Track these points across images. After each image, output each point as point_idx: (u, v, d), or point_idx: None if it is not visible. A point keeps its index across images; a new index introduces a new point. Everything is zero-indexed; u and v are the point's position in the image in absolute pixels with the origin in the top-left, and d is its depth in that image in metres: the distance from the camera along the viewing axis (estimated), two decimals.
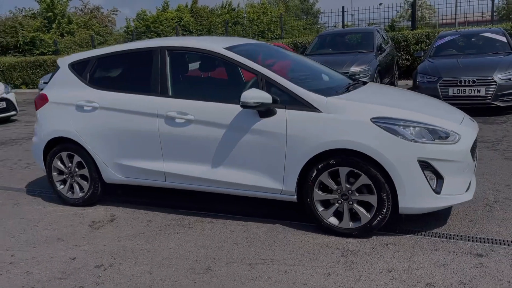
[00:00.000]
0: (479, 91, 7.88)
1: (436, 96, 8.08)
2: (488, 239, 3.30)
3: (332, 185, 3.44)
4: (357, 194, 3.39)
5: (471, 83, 7.87)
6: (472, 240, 3.30)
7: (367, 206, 3.39)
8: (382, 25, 18.73)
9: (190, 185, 3.99)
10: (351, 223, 3.45)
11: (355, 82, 4.35)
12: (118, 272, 3.10)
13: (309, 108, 3.50)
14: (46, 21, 22.76)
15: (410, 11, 16.78)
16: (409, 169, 3.22)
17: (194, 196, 4.30)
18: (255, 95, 3.46)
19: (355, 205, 3.41)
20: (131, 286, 2.91)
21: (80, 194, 4.48)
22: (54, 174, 4.58)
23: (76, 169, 4.45)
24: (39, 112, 4.62)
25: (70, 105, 4.37)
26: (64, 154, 4.47)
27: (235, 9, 32.30)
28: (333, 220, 3.50)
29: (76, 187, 4.50)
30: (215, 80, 4.30)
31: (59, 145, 4.47)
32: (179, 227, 3.85)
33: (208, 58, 4.09)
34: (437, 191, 3.29)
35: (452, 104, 8.53)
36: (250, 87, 3.68)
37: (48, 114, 4.52)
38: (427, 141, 3.26)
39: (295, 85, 3.60)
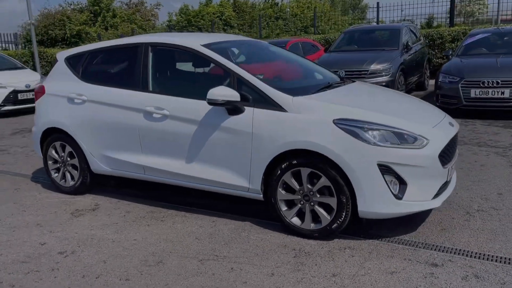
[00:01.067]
0: (502, 93, 7.49)
1: (457, 97, 7.80)
2: (451, 249, 3.17)
3: (295, 185, 3.41)
4: (318, 196, 3.35)
5: (495, 85, 7.49)
6: (434, 249, 3.18)
7: (328, 208, 3.34)
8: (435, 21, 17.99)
9: (167, 179, 4.08)
10: (312, 225, 3.41)
11: (338, 82, 4.28)
12: (76, 259, 3.24)
13: (276, 107, 3.48)
14: (92, 14, 23.68)
15: (459, 7, 16.13)
16: (369, 172, 3.15)
17: (181, 190, 4.38)
18: (221, 92, 3.49)
19: (316, 206, 3.37)
20: (82, 273, 3.03)
21: (71, 183, 4.69)
22: (50, 162, 4.82)
23: (68, 159, 4.66)
24: (37, 103, 4.86)
25: (63, 97, 4.58)
26: (57, 144, 4.69)
27: (278, 3, 32.21)
28: (295, 221, 3.47)
29: (68, 176, 4.71)
30: (192, 76, 4.35)
31: (53, 135, 4.69)
32: (153, 219, 3.96)
33: (187, 55, 4.14)
34: (399, 196, 3.19)
35: (474, 107, 8.30)
36: (227, 84, 3.70)
37: (44, 105, 4.76)
38: (390, 145, 3.16)
39: (264, 84, 3.59)
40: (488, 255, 3.05)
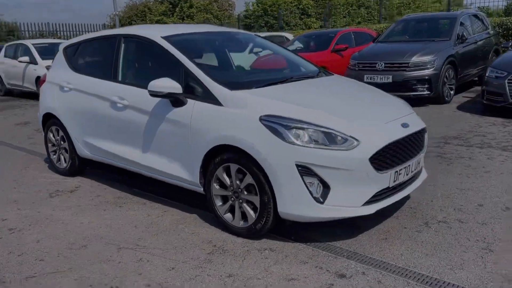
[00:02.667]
0: None
1: (503, 95, 7.01)
2: (376, 261, 2.91)
3: (226, 181, 3.35)
4: (246, 193, 3.25)
5: None
6: (356, 259, 2.94)
7: (254, 206, 3.24)
8: None
9: (130, 167, 4.21)
10: (241, 222, 3.32)
11: (303, 76, 4.10)
12: (18, 237, 3.49)
13: (213, 101, 3.43)
14: (171, 5, 24.75)
15: None
16: (287, 173, 2.99)
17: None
18: (162, 84, 3.50)
19: (244, 204, 3.28)
20: (10, 250, 3.26)
21: (64, 165, 5.03)
22: (49, 145, 5.21)
23: (62, 142, 5.00)
24: (40, 89, 5.26)
25: (57, 85, 4.91)
26: (53, 128, 5.05)
27: None
28: (228, 217, 3.41)
29: (62, 158, 5.06)
30: (153, 67, 4.38)
31: (50, 120, 5.06)
32: (113, 205, 4.12)
33: (150, 46, 4.18)
34: (319, 200, 3.00)
35: None
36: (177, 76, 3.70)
37: (44, 92, 5.14)
38: (312, 145, 2.97)
39: (206, 76, 3.54)
40: (409, 272, 2.76)
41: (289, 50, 4.97)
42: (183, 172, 3.65)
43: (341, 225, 3.39)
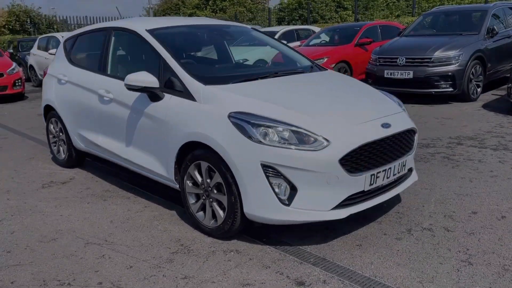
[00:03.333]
0: None
1: None
2: (342, 268, 2.74)
3: (198, 179, 3.25)
4: (215, 192, 3.15)
5: None
6: (321, 266, 2.78)
7: (223, 206, 3.13)
8: None
9: (116, 160, 4.19)
10: (212, 222, 3.22)
11: (290, 71, 3.95)
12: None
13: (188, 96, 3.33)
14: None
15: None
16: (253, 173, 2.85)
17: None
18: (137, 78, 3.44)
19: (214, 203, 3.17)
20: None
21: (63, 156, 5.10)
22: (50, 136, 5.29)
23: (60, 134, 5.06)
24: (43, 82, 5.34)
25: (55, 77, 4.96)
26: (53, 120, 5.12)
27: None
28: (200, 215, 3.32)
29: (61, 149, 5.12)
30: (138, 60, 4.31)
31: (50, 112, 5.13)
32: (98, 198, 4.12)
33: (136, 39, 4.11)
34: (285, 202, 2.85)
35: None
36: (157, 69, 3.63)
37: (45, 84, 5.21)
38: (278, 144, 2.82)
39: (182, 71, 3.44)
40: (373, 283, 2.58)
41: (284, 43, 4.78)
42: (160, 168, 3.58)
43: (317, 228, 3.23)
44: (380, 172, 3.04)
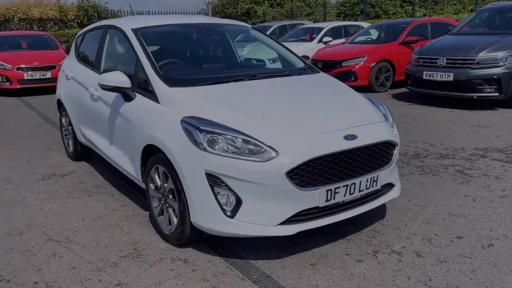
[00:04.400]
0: None
1: None
2: (272, 281, 2.56)
3: (157, 182, 3.19)
4: (170, 198, 3.06)
5: None
6: (261, 285, 2.60)
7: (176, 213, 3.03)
8: None
9: (105, 157, 4.24)
10: (168, 227, 3.14)
11: (277, 72, 3.76)
12: None
13: (154, 97, 3.27)
14: None
15: None
16: (198, 181, 2.73)
17: None
18: (110, 78, 3.43)
19: (169, 209, 3.09)
20: None
21: (70, 149, 5.26)
22: (63, 129, 5.48)
23: (69, 127, 5.22)
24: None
25: (64, 73, 5.12)
26: (63, 113, 5.30)
27: None
28: (160, 220, 3.25)
29: (70, 142, 5.29)
30: (123, 59, 4.27)
31: (61, 106, 5.31)
32: (85, 193, 4.18)
33: (123, 37, 4.10)
34: (229, 214, 2.70)
35: None
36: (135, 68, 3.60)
37: (58, 79, 5.40)
38: (224, 153, 2.67)
39: (152, 71, 3.38)
40: None
41: (279, 42, 4.54)
42: (131, 168, 3.56)
43: (279, 241, 3.04)
44: (339, 187, 2.79)
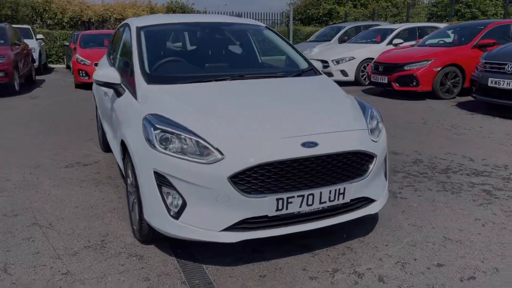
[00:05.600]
0: None
1: None
2: None
3: (130, 178, 3.23)
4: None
5: None
6: (193, 287, 2.53)
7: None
8: None
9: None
10: (136, 223, 3.17)
11: (270, 73, 3.63)
12: None
13: (134, 94, 3.32)
14: None
15: None
16: (148, 179, 2.72)
17: None
18: (102, 73, 3.53)
19: (135, 205, 3.11)
20: None
21: (100, 141, 5.54)
22: (97, 121, 5.79)
23: (98, 119, 5.51)
24: None
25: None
26: (96, 106, 5.60)
27: None
28: (132, 215, 3.30)
29: (99, 134, 5.57)
30: (128, 56, 4.33)
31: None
32: (93, 183, 4.36)
33: (131, 35, 4.18)
34: (174, 215, 2.65)
35: None
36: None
37: None
38: (172, 153, 2.62)
39: (138, 68, 3.43)
40: None
41: (290, 44, 4.35)
42: (120, 163, 3.65)
43: (239, 247, 2.91)
44: (293, 197, 2.60)
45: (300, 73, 3.76)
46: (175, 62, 3.89)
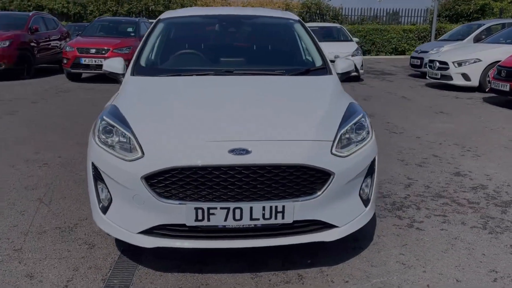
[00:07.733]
0: None
1: None
2: None
3: None
4: None
5: None
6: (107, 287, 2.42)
7: None
8: None
9: None
10: None
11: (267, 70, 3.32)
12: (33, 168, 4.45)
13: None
14: None
15: None
16: (88, 170, 2.69)
17: None
18: (108, 63, 3.61)
19: None
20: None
21: None
22: None
23: None
24: None
25: None
26: None
27: None
28: None
29: None
30: None
31: None
32: None
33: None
34: (102, 210, 2.58)
35: None
36: None
37: None
38: (105, 147, 2.56)
39: (134, 59, 3.44)
40: None
41: (315, 41, 3.88)
42: None
43: (185, 255, 2.73)
44: (215, 209, 2.32)
45: (305, 71, 3.35)
46: (177, 55, 3.76)
